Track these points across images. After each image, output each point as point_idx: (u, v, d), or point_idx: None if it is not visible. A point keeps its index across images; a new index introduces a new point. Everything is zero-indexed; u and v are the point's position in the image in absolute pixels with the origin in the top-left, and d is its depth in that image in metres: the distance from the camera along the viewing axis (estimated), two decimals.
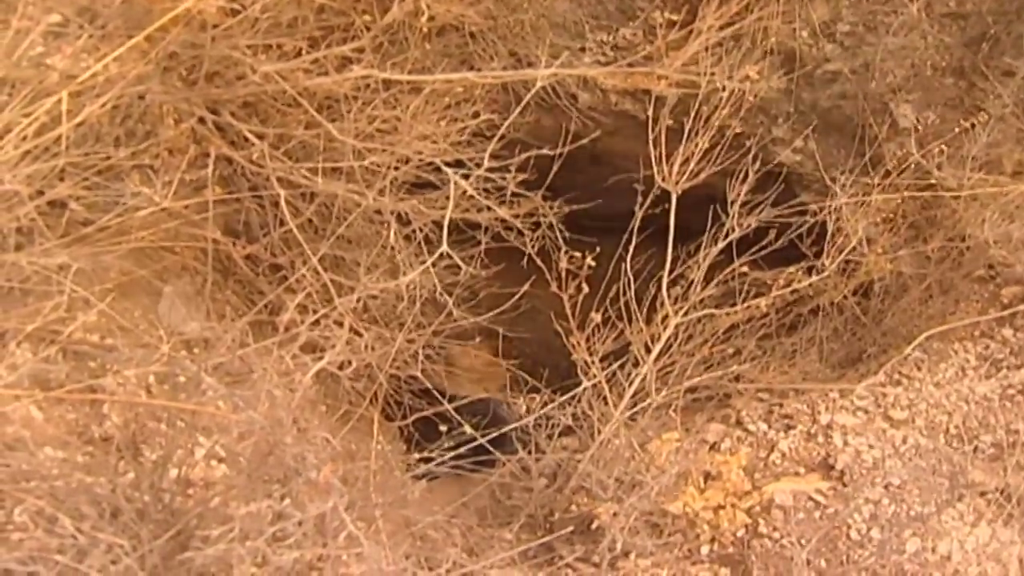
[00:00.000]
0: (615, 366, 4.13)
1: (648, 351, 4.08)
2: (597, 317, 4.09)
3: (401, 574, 3.32)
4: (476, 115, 4.50)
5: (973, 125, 4.51)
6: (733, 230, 4.18)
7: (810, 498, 3.82)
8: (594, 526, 3.76)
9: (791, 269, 4.43)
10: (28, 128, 3.18)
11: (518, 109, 4.33)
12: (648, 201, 4.20)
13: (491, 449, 4.05)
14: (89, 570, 2.80)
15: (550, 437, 4.14)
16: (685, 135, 4.21)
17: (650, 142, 4.20)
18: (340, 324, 3.83)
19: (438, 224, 4.16)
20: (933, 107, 4.76)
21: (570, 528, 3.73)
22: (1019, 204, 4.46)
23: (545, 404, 4.21)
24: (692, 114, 4.28)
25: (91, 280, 3.63)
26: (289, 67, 4.13)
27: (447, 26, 4.81)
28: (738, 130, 4.51)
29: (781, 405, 4.29)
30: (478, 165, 4.26)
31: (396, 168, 4.28)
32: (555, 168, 4.51)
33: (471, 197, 4.24)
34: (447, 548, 3.65)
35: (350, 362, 3.93)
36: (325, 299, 4.01)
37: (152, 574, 2.90)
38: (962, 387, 4.22)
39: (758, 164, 4.32)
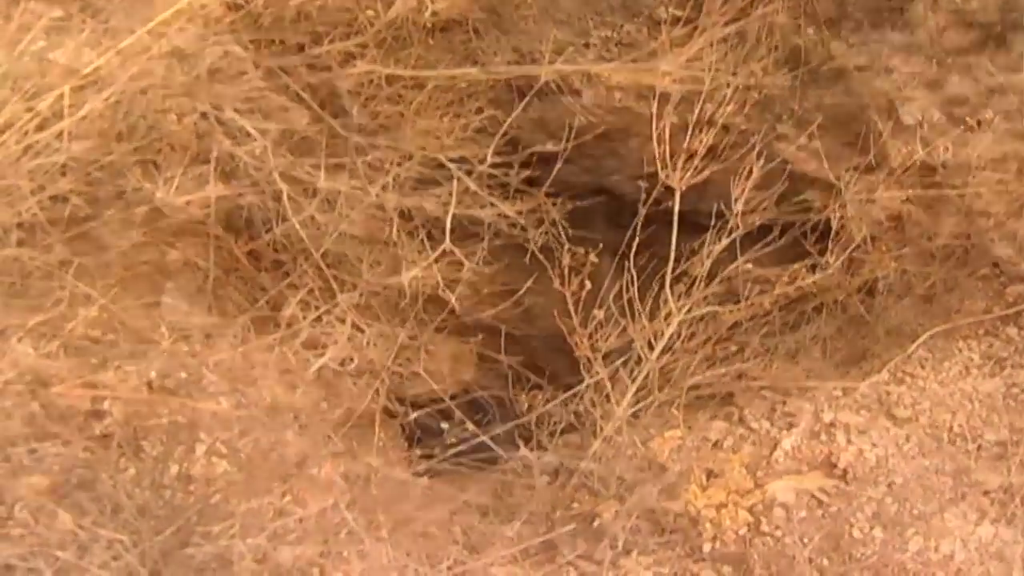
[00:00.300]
0: (618, 363, 4.12)
1: (651, 348, 4.07)
2: (600, 314, 4.09)
3: (402, 571, 3.33)
4: (479, 111, 4.49)
5: (979, 122, 4.48)
6: (737, 227, 4.17)
7: (813, 496, 3.81)
8: (596, 524, 3.76)
9: (795, 266, 4.42)
10: (30, 123, 3.17)
11: (521, 105, 4.32)
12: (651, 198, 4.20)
13: (492, 446, 4.04)
14: (90, 566, 2.80)
15: (552, 434, 4.14)
16: (689, 132, 4.20)
17: (654, 139, 4.19)
18: (342, 320, 3.82)
19: (441, 220, 4.15)
20: (939, 104, 4.73)
21: (572, 526, 3.73)
22: None
23: (547, 401, 4.21)
24: (696, 111, 4.26)
25: (93, 276, 3.62)
26: (292, 62, 4.12)
27: (451, 22, 4.79)
28: (742, 127, 4.49)
29: (784, 403, 4.28)
30: (481, 161, 4.26)
31: (399, 164, 4.27)
32: (559, 165, 4.50)
33: (474, 193, 4.23)
34: (448, 545, 3.65)
35: (352, 359, 3.92)
36: (327, 295, 4.00)
37: (153, 570, 2.90)
38: (966, 385, 4.20)
39: (762, 161, 4.30)
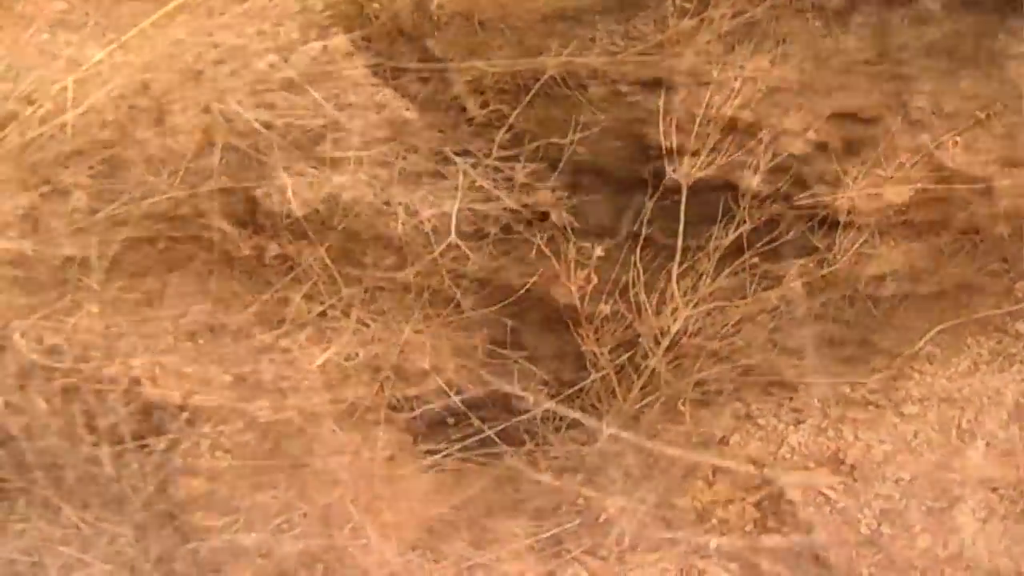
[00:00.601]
0: (624, 358, 4.10)
1: (657, 343, 4.05)
2: (606, 309, 4.07)
3: (407, 566, 3.32)
4: (485, 105, 4.47)
5: (988, 116, 4.45)
6: (744, 221, 4.14)
7: (820, 493, 3.79)
8: (602, 519, 3.74)
9: (802, 261, 4.39)
10: (33, 115, 3.17)
11: (527, 99, 4.30)
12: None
13: (498, 441, 4.03)
14: (93, 560, 2.79)
15: (558, 430, 4.12)
16: (696, 125, 4.17)
17: (661, 133, 4.17)
18: (347, 315, 3.81)
19: (446, 214, 4.12)
20: (947, 98, 4.70)
21: (577, 521, 3.71)
22: None
23: (553, 396, 4.19)
24: (703, 104, 4.24)
25: (96, 269, 3.62)
26: (298, 55, 4.10)
27: (457, 15, 4.77)
28: (749, 120, 4.45)
29: (791, 398, 4.26)
30: (486, 155, 4.24)
31: (404, 158, 4.25)
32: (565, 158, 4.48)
33: (480, 187, 4.21)
34: (454, 540, 3.63)
35: (357, 353, 3.91)
36: (332, 290, 3.99)
37: (156, 564, 2.90)
38: (975, 381, 4.18)
39: (770, 155, 4.28)
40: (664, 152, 4.12)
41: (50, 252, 3.32)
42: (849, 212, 4.44)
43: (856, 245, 4.38)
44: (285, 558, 3.09)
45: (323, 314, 3.91)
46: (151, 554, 2.89)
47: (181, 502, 3.12)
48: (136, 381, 3.55)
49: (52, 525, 2.85)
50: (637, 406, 4.03)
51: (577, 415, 3.99)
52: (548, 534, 3.66)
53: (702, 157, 4.17)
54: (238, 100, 3.82)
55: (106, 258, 3.60)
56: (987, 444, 3.91)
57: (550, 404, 4.13)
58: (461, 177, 4.17)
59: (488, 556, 3.52)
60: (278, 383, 3.58)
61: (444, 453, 3.83)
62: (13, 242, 3.29)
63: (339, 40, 4.16)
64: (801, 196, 4.44)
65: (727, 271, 4.16)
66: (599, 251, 4.06)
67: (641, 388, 4.04)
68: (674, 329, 4.06)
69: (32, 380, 3.26)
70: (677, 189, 4.17)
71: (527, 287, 4.30)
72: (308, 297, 3.88)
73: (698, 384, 4.19)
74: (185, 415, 3.45)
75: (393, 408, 4.28)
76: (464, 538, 3.71)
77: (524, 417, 4.18)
